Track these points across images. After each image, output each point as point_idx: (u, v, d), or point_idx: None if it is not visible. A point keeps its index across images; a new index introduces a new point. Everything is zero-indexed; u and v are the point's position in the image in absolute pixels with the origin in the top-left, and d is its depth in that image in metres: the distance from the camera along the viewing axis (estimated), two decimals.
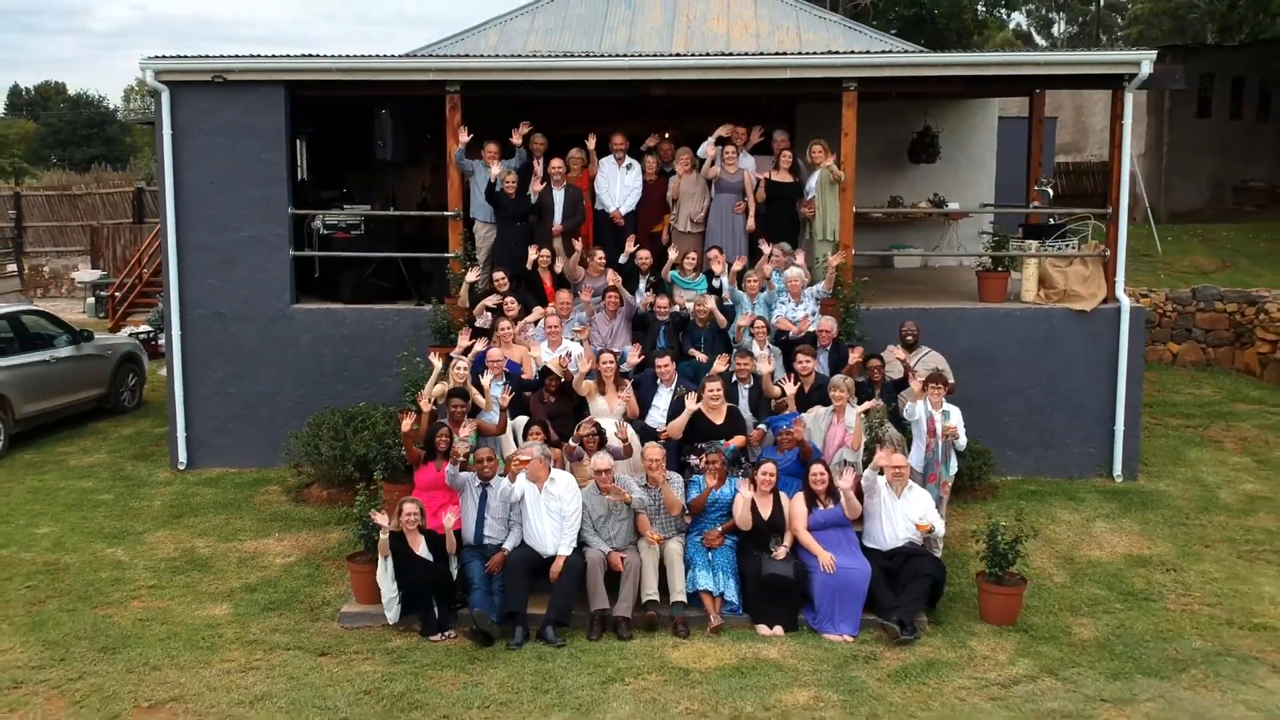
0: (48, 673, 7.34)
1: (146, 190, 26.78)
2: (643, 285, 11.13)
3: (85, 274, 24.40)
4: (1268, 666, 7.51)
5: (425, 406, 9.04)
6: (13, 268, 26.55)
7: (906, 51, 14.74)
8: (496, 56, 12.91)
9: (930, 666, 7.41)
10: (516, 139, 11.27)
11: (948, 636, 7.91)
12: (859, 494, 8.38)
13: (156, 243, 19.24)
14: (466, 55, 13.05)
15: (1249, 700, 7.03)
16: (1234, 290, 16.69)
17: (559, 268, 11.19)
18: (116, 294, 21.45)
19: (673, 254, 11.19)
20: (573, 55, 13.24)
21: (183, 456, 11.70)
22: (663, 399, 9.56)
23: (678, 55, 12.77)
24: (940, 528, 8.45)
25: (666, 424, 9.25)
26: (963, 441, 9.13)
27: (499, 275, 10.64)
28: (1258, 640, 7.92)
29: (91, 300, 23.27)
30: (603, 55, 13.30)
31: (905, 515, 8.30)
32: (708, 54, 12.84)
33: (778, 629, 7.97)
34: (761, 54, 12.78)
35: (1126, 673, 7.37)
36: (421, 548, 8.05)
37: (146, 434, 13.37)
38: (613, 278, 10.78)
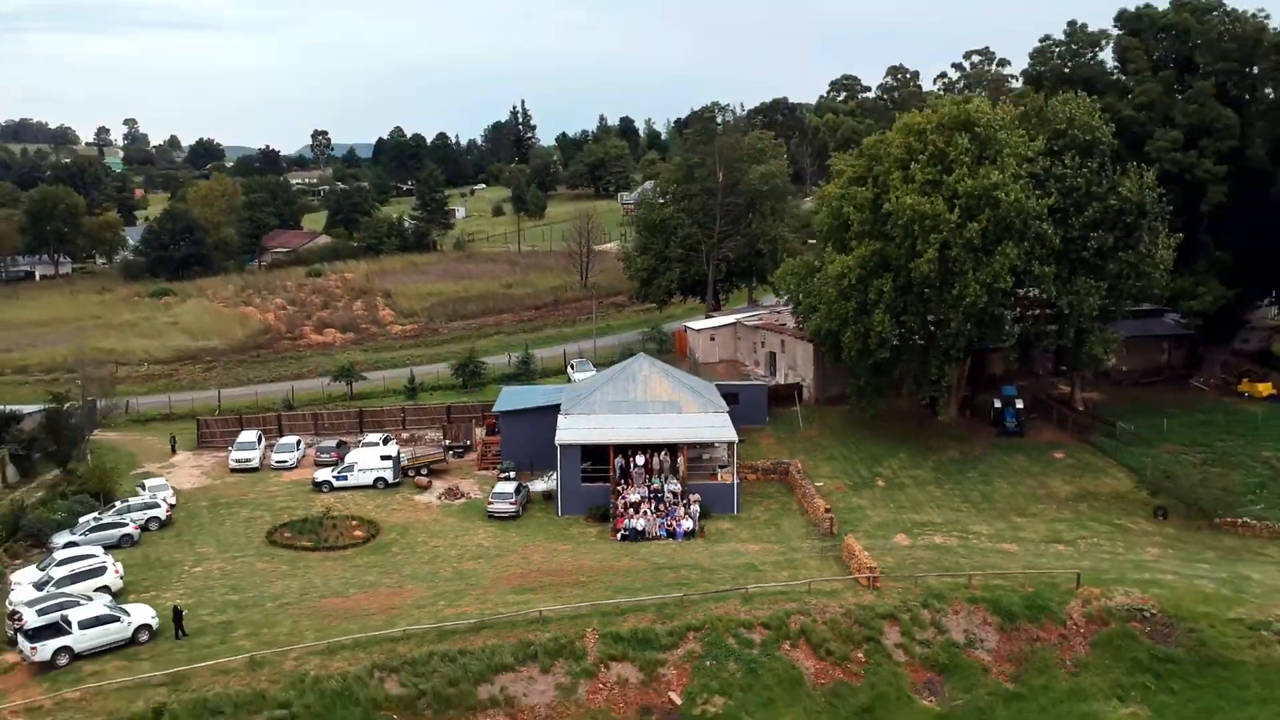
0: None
1: (454, 407, 75.68)
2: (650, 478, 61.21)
3: (444, 440, 73.20)
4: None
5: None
6: (430, 435, 74.91)
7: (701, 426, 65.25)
8: (611, 429, 62.76)
9: (690, 541, 57.43)
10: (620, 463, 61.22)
11: (690, 543, 58.00)
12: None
13: (480, 433, 68.51)
14: (612, 428, 62.91)
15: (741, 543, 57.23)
16: (781, 460, 67.43)
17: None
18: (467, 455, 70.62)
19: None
20: (628, 429, 63.35)
21: (560, 511, 61.34)
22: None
23: (650, 429, 62.91)
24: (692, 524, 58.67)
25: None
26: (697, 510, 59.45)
27: (620, 483, 60.46)
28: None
29: (452, 454, 71.99)
30: (631, 428, 63.36)
31: (690, 509, 58.44)
32: (662, 427, 63.06)
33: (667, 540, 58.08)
34: (668, 428, 63.02)
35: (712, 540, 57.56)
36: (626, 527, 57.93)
37: (543, 507, 62.88)
38: (643, 479, 60.80)
